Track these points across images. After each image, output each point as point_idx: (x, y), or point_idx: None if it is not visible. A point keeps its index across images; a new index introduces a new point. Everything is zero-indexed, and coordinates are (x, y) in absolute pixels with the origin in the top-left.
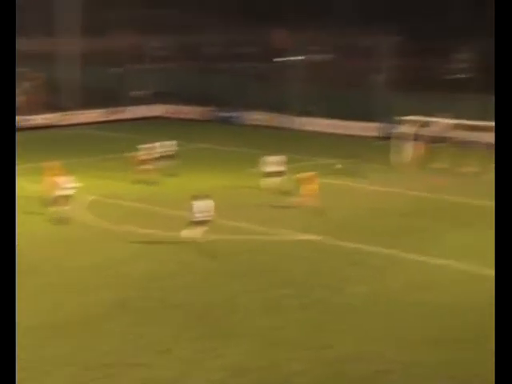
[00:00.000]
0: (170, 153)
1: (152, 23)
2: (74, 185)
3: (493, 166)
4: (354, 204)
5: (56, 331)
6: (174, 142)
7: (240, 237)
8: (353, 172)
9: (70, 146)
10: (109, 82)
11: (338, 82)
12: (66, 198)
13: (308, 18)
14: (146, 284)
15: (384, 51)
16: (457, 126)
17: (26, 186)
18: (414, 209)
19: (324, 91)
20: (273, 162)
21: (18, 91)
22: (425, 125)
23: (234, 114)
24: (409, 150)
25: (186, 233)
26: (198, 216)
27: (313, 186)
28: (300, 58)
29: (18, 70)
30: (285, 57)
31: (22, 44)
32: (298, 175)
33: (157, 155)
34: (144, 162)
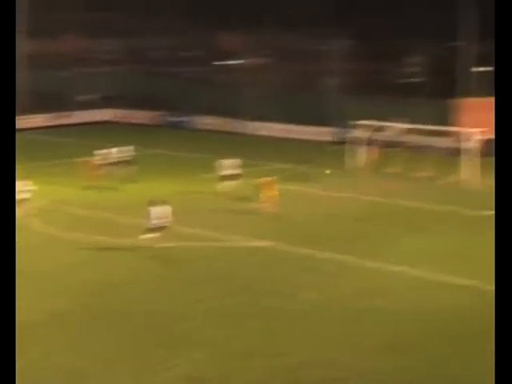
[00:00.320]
0: (127, 158)
1: (100, 26)
2: (28, 188)
3: (447, 170)
4: (307, 209)
5: None
6: (131, 148)
7: (195, 243)
8: (307, 177)
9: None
10: (55, 85)
11: (290, 85)
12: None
13: (258, 21)
14: (95, 292)
15: (336, 54)
16: (411, 131)
17: None
18: (368, 214)
19: (276, 95)
20: (228, 166)
21: None
22: (378, 129)
23: (185, 119)
24: (363, 155)
25: (143, 239)
26: (155, 222)
27: (272, 191)
28: (251, 61)
29: None
30: (234, 60)
31: None
32: (258, 180)
33: (113, 160)
34: (99, 167)
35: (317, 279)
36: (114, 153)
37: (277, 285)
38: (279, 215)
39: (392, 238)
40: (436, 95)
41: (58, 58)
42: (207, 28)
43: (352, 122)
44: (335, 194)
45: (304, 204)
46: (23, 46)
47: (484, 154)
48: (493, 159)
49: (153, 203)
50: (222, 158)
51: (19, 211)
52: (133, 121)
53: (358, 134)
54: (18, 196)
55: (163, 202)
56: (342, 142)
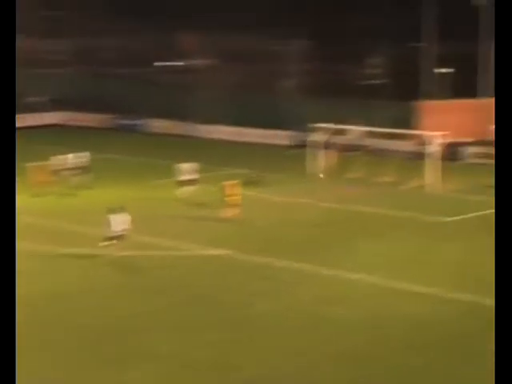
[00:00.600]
0: (83, 164)
1: (47, 26)
2: None
3: (408, 175)
4: (265, 216)
5: None
6: (87, 154)
7: (152, 252)
8: (263, 182)
9: None
10: None
11: (245, 87)
12: None
13: (212, 22)
14: (47, 303)
15: (294, 55)
16: (371, 134)
17: None
18: (327, 220)
19: (231, 97)
20: (187, 170)
21: None
22: (338, 132)
23: (137, 122)
24: (321, 159)
25: (100, 247)
26: (114, 230)
27: (236, 196)
28: (205, 62)
29: None
30: (187, 61)
31: None
32: (221, 184)
33: (68, 166)
34: (53, 173)
35: (274, 288)
36: (70, 159)
37: (234, 294)
38: (238, 222)
39: (350, 244)
40: (397, 97)
41: None
42: (159, 28)
43: (310, 125)
44: (293, 200)
45: (261, 210)
46: None
47: (445, 157)
48: (455, 163)
49: (111, 211)
50: (177, 163)
51: None
52: (83, 124)
53: (316, 137)
54: None
55: (122, 209)
56: (300, 146)
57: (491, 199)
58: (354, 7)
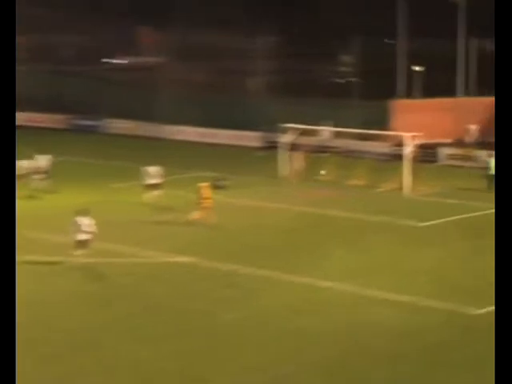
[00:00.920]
0: (45, 169)
1: None
2: None
3: (380, 178)
4: (232, 221)
5: None
6: (50, 157)
7: (112, 259)
8: (232, 186)
9: None
10: None
11: (210, 86)
12: None
13: (175, 19)
14: None
15: (261, 53)
16: (343, 135)
17: None
18: (297, 225)
19: (196, 97)
20: (153, 173)
21: None
22: (308, 133)
23: (97, 123)
24: (292, 161)
25: (68, 254)
26: (80, 235)
27: (207, 200)
28: (167, 60)
29: None
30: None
31: None
32: (198, 185)
33: (28, 171)
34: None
35: (240, 296)
36: (28, 164)
37: (197, 303)
38: (205, 227)
39: (321, 250)
40: (370, 96)
41: None
42: (119, 25)
43: (280, 126)
44: (263, 204)
45: (229, 215)
46: None
47: (420, 159)
48: (430, 165)
49: (79, 213)
50: (139, 165)
51: None
52: (38, 124)
53: (286, 138)
54: None
55: (86, 213)
56: (269, 147)
57: (467, 203)
58: (324, 2)
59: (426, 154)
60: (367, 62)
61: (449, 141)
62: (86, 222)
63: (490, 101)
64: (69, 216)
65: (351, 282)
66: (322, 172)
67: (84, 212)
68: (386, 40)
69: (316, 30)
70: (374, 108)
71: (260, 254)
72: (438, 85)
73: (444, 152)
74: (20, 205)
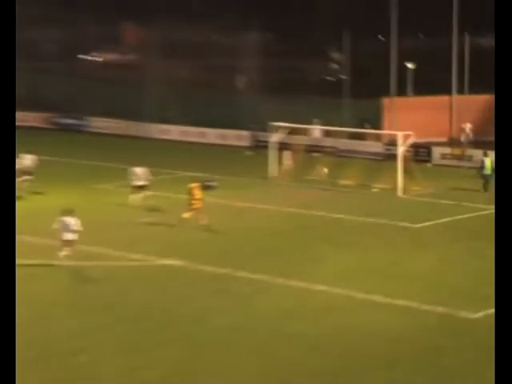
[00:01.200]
0: (29, 168)
1: None
2: None
3: (372, 178)
4: (222, 223)
5: None
6: (35, 157)
7: (97, 262)
8: (221, 186)
9: None
10: None
11: (197, 84)
12: None
13: (160, 14)
14: None
15: (249, 50)
16: (333, 134)
17: None
18: (288, 227)
19: (182, 95)
20: (140, 174)
21: None
22: (297, 132)
23: (81, 122)
24: (282, 161)
25: (62, 255)
26: (69, 234)
27: (198, 201)
28: (152, 57)
29: None
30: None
31: None
32: (189, 186)
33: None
34: None
35: (231, 301)
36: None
37: (186, 308)
38: (193, 229)
39: (314, 253)
40: (362, 94)
41: None
42: (102, 21)
43: (269, 124)
44: (253, 205)
45: (219, 217)
46: None
47: (414, 159)
48: (423, 165)
49: (65, 213)
50: (125, 165)
51: None
52: (21, 124)
53: (275, 137)
54: None
55: (70, 213)
56: (258, 147)
57: (461, 204)
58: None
59: (420, 153)
60: (359, 60)
61: (443, 140)
62: (71, 222)
63: (484, 99)
64: (54, 217)
65: (345, 286)
66: (325, 170)
67: (69, 212)
68: (378, 37)
69: (306, 26)
70: (367, 106)
71: (251, 257)
72: (430, 82)
73: (438, 151)
74: None
